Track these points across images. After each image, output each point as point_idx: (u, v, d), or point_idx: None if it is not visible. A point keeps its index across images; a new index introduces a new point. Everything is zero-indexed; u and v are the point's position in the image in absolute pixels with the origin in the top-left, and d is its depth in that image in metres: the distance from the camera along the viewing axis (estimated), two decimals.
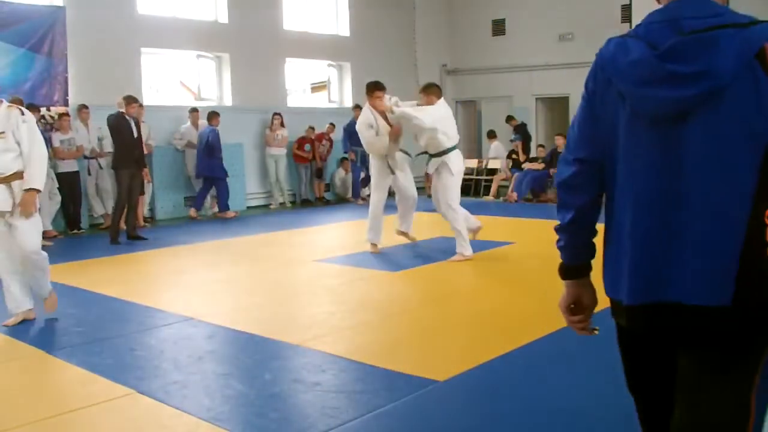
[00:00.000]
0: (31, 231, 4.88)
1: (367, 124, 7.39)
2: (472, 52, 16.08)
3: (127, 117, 8.67)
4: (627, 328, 1.74)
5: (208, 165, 10.82)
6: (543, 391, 3.58)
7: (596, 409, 3.33)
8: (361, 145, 12.95)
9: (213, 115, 11.02)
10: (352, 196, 13.13)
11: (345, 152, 13.04)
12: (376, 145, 7.38)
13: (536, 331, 4.52)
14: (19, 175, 4.77)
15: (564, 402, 3.42)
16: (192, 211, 11.04)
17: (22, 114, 4.79)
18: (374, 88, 7.38)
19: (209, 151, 10.77)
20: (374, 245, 7.59)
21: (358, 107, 12.88)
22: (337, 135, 13.23)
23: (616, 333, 1.81)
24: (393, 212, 7.90)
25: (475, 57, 15.97)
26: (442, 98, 7.23)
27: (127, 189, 8.69)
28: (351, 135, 12.88)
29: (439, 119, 6.94)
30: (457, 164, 7.08)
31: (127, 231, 8.78)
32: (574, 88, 14.58)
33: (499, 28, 15.68)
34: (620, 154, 1.67)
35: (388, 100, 7.34)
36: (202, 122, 11.19)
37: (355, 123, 12.86)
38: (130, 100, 8.73)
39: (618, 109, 1.65)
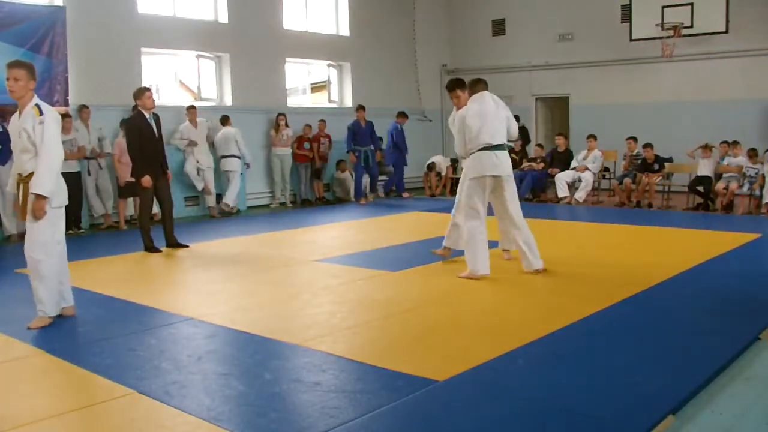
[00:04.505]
0: (32, 233, 4.91)
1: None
2: (472, 52, 16.08)
3: (146, 115, 7.83)
4: None
5: (401, 156, 13.61)
6: (543, 391, 3.59)
7: (595, 408, 3.33)
8: (363, 145, 13.15)
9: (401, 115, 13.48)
10: (355, 197, 13.10)
11: (347, 152, 13.01)
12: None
13: (536, 331, 4.53)
14: (32, 176, 4.82)
15: (564, 402, 3.43)
16: (406, 194, 13.76)
17: (41, 114, 4.79)
18: (453, 86, 6.48)
19: (405, 145, 13.63)
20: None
21: (361, 108, 12.89)
22: (338, 134, 13.23)
23: None
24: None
25: (475, 57, 15.97)
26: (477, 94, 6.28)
27: (152, 196, 8.08)
28: (354, 135, 12.88)
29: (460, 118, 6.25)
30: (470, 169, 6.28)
31: (167, 240, 8.12)
32: (574, 88, 14.65)
33: (499, 28, 15.68)
34: None
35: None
36: (200, 119, 11.20)
37: (358, 123, 12.99)
38: (143, 90, 7.86)
39: None
